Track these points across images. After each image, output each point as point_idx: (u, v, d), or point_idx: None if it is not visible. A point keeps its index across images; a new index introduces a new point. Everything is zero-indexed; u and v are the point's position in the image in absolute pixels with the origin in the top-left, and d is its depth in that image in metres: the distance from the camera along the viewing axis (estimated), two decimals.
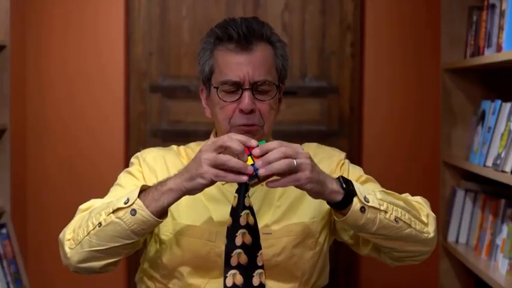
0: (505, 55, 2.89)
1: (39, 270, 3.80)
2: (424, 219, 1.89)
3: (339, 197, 1.75)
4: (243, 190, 1.88)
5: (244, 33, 1.90)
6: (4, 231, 3.35)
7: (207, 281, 1.92)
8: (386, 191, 1.88)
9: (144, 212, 1.75)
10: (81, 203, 4.15)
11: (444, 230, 3.63)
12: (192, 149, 2.05)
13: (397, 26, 3.86)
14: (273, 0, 3.88)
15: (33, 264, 3.79)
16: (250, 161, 1.69)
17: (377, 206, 1.77)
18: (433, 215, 1.93)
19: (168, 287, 1.96)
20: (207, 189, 1.77)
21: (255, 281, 1.88)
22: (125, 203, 1.76)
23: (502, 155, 2.89)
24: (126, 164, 4.00)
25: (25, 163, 3.79)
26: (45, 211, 3.81)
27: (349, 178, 1.98)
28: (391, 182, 3.80)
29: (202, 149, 1.72)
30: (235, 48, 1.90)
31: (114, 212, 1.77)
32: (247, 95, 1.89)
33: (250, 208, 1.90)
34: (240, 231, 1.88)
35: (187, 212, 1.92)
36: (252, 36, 1.91)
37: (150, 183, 1.94)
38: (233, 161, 1.68)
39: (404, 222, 1.81)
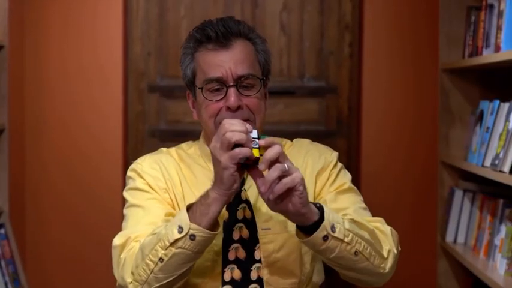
0: (503, 55, 2.89)
1: (38, 271, 3.80)
2: (384, 253, 1.88)
3: (313, 219, 1.73)
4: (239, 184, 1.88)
5: (221, 31, 1.90)
6: (2, 231, 3.35)
7: (206, 280, 1.91)
8: (356, 219, 1.85)
9: (203, 233, 1.74)
10: (79, 203, 4.16)
11: (442, 230, 3.63)
12: (183, 149, 2.04)
13: (395, 26, 3.86)
14: (272, 0, 3.88)
15: (31, 264, 3.79)
16: (256, 153, 1.70)
17: (341, 237, 1.75)
18: (395, 251, 1.91)
19: None
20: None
21: (253, 275, 1.89)
22: (180, 232, 1.74)
23: (501, 155, 2.89)
24: (124, 164, 4.01)
25: (23, 163, 3.79)
26: (44, 211, 3.81)
27: (336, 182, 1.98)
28: (390, 182, 3.84)
29: (211, 147, 1.73)
30: (214, 47, 1.90)
31: (172, 244, 1.75)
32: (232, 91, 1.88)
33: (247, 202, 1.90)
34: (237, 225, 1.89)
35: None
36: (230, 34, 1.91)
37: (159, 189, 1.94)
38: (236, 135, 1.69)
39: (363, 255, 1.80)
